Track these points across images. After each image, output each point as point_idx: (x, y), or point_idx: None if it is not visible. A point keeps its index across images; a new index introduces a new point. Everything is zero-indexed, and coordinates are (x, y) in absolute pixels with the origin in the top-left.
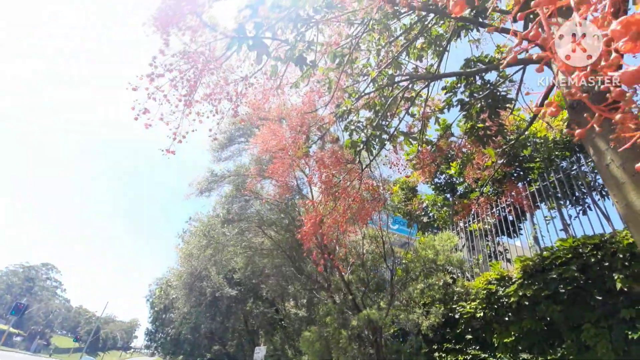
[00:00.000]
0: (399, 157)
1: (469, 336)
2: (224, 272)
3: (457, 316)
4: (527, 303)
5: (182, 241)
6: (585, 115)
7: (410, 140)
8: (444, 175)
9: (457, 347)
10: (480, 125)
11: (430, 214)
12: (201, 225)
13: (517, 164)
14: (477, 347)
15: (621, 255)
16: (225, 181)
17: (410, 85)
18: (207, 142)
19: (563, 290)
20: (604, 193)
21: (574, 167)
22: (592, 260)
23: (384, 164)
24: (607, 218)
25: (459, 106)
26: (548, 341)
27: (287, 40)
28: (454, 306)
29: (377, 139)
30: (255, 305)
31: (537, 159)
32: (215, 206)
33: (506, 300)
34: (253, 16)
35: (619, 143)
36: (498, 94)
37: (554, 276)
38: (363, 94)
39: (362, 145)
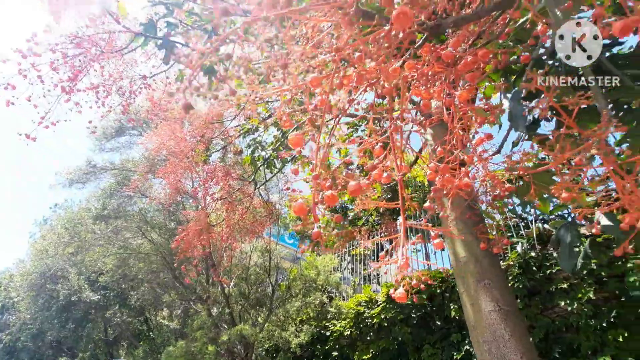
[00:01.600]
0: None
1: (336, 353)
2: (87, 273)
3: (328, 334)
4: (386, 324)
5: (39, 231)
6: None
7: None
8: (339, 200)
9: None
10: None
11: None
12: (67, 216)
13: (398, 201)
14: None
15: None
16: (107, 174)
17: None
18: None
19: (414, 315)
20: None
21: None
22: (438, 291)
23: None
24: None
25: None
26: (397, 359)
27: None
28: (327, 324)
29: (279, 159)
30: (120, 313)
31: (415, 199)
32: (89, 198)
33: (370, 321)
34: (168, 15)
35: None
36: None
37: (409, 302)
38: (273, 112)
39: (262, 163)
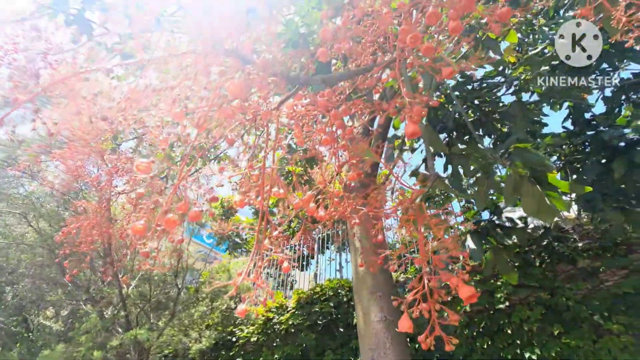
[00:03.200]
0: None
1: (240, 359)
2: None
3: (234, 339)
4: (293, 331)
5: None
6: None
7: (236, 165)
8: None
9: None
10: (298, 170)
11: (244, 237)
12: None
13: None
14: None
15: None
16: None
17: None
18: None
19: (320, 322)
20: None
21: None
22: (344, 299)
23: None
24: None
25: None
26: None
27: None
28: (234, 330)
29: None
30: None
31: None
32: None
33: (279, 327)
34: None
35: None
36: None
37: (317, 309)
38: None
39: (180, 160)
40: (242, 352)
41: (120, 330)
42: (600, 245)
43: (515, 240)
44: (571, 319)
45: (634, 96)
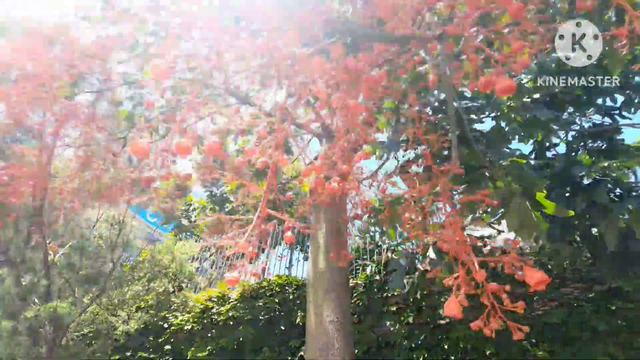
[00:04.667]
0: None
1: (169, 347)
2: None
3: (166, 326)
4: (232, 323)
5: None
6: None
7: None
8: (221, 189)
9: (152, 356)
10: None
11: (194, 219)
12: None
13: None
14: (172, 359)
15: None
16: None
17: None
18: None
19: (262, 317)
20: None
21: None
22: (291, 297)
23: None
24: None
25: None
26: (234, 359)
27: None
28: (167, 315)
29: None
30: None
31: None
32: None
33: (217, 317)
34: None
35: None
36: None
37: (260, 303)
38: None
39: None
40: (172, 340)
41: (37, 301)
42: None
43: None
44: (503, 341)
45: (591, 144)
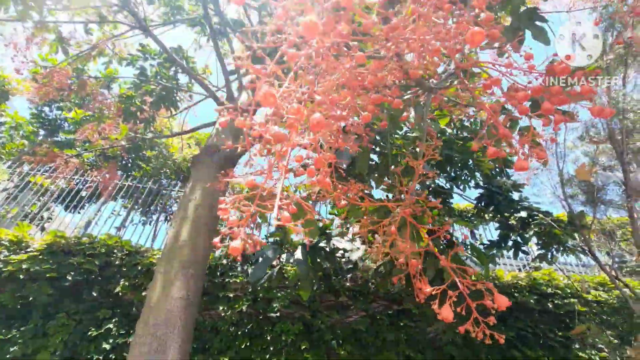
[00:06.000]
0: None
1: None
2: None
3: None
4: (21, 277)
5: None
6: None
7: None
8: (55, 112)
9: None
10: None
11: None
12: None
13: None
14: None
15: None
16: None
17: None
18: None
19: (69, 278)
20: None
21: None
22: (117, 262)
23: None
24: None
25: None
26: (13, 323)
27: None
28: None
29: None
30: None
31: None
32: None
33: (2, 266)
34: None
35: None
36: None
37: (74, 262)
38: None
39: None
40: None
41: None
42: (360, 290)
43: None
44: (317, 339)
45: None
